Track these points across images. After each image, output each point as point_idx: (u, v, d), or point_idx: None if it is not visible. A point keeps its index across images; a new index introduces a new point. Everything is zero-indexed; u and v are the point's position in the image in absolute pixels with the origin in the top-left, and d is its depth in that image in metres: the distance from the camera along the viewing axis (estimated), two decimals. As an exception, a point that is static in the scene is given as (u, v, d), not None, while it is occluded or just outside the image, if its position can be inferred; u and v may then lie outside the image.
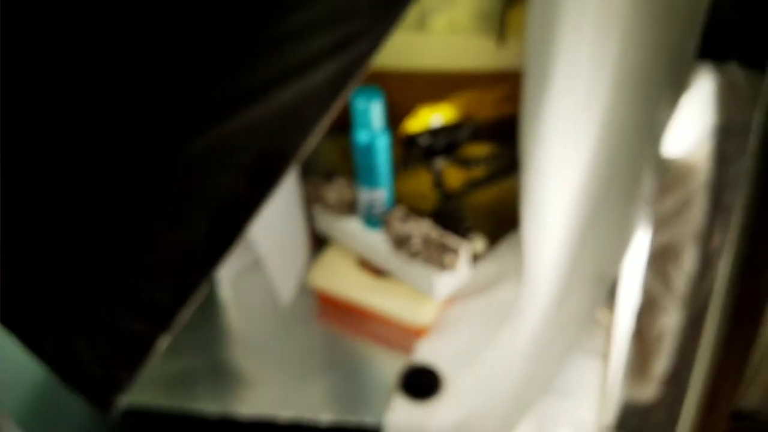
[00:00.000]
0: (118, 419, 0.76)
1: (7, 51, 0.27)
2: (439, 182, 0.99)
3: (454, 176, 1.03)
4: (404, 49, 1.12)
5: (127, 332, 0.32)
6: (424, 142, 0.95)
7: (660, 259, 0.52)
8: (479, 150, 1.04)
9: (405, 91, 1.16)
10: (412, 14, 1.07)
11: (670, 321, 0.52)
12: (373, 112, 0.70)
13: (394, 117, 1.07)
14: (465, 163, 1.02)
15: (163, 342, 0.34)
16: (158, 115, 0.29)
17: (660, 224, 0.52)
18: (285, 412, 0.72)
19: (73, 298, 0.32)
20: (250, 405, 0.73)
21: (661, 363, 0.55)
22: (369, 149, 0.71)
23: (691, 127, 0.56)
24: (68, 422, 0.80)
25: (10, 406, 0.44)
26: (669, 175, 0.52)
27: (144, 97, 0.28)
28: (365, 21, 0.36)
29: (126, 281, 0.32)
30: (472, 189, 1.01)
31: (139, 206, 0.30)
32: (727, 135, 0.52)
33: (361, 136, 0.71)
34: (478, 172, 1.04)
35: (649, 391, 0.58)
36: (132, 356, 0.32)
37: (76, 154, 0.29)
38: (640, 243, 0.54)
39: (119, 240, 0.31)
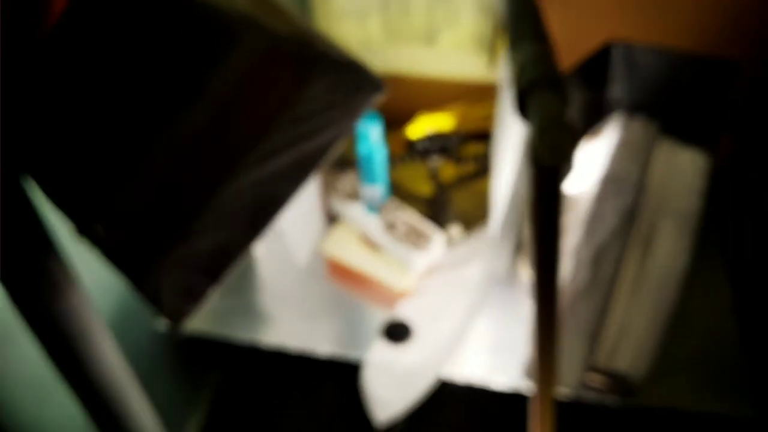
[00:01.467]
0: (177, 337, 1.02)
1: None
2: (434, 176, 1.21)
3: (448, 170, 1.25)
4: (418, 59, 1.32)
5: (191, 282, 0.56)
6: (421, 145, 1.16)
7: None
8: (471, 149, 1.25)
9: (419, 92, 1.37)
10: (423, 30, 1.27)
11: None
12: (371, 132, 0.92)
13: (408, 113, 1.28)
14: (458, 159, 1.23)
15: (214, 291, 0.58)
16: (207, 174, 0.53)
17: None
18: (294, 343, 0.97)
19: (165, 262, 0.56)
20: (270, 336, 0.98)
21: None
22: (369, 158, 0.94)
23: (588, 171, 0.77)
24: (141, 331, 1.08)
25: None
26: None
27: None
28: (342, 111, 0.58)
29: (195, 256, 0.56)
30: (461, 182, 1.23)
31: (202, 218, 0.55)
32: (607, 182, 0.73)
33: (363, 149, 0.93)
34: (468, 168, 1.25)
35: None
36: (194, 297, 0.57)
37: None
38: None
39: (191, 232, 0.55)
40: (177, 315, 0.57)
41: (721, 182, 1.00)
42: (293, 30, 0.59)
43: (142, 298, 0.56)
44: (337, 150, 0.60)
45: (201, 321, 1.00)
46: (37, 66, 0.53)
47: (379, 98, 0.62)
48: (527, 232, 0.85)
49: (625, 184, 0.72)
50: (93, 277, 0.63)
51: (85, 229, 0.55)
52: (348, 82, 0.59)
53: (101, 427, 0.68)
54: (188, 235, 0.54)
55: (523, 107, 0.42)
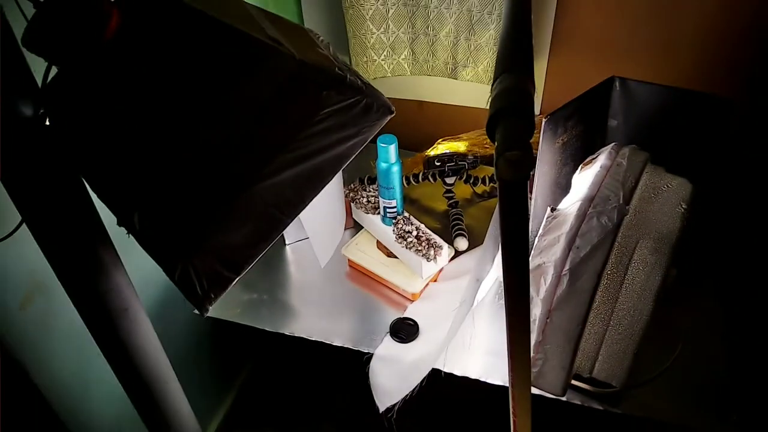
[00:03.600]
0: (209, 321, 1.05)
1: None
2: (448, 192, 1.22)
3: (463, 190, 1.26)
4: (441, 89, 1.35)
5: (217, 272, 0.59)
6: (438, 166, 1.18)
7: (534, 275, 0.75)
8: (486, 171, 1.26)
9: (441, 117, 1.40)
10: (447, 65, 1.30)
11: (536, 311, 0.74)
12: (389, 151, 0.95)
13: (431, 137, 1.31)
14: (472, 180, 1.24)
15: (237, 281, 0.61)
16: (255, 166, 0.55)
17: (538, 252, 0.74)
18: (314, 336, 0.99)
19: (193, 251, 0.58)
20: (291, 328, 1.01)
21: (534, 335, 0.78)
22: (386, 173, 0.96)
23: (578, 191, 0.78)
24: (180, 318, 1.12)
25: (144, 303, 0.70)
26: (549, 222, 0.74)
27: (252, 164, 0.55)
28: (353, 130, 0.61)
29: (221, 248, 0.59)
30: (474, 201, 1.24)
31: (228, 215, 0.57)
32: (590, 202, 0.73)
33: (381, 164, 0.96)
34: (481, 188, 1.26)
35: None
36: (219, 286, 0.60)
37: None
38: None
39: (219, 227, 0.58)
40: (202, 302, 0.60)
41: (715, 211, 0.99)
42: (315, 55, 0.62)
43: (174, 283, 0.59)
44: (348, 163, 0.62)
45: (232, 311, 1.04)
46: (92, 74, 0.57)
47: (388, 120, 0.64)
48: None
49: (610, 203, 0.72)
50: (142, 265, 0.66)
51: (124, 219, 0.58)
52: (360, 105, 0.62)
53: (137, 399, 0.71)
54: (216, 230, 0.57)
55: (493, 131, 0.44)
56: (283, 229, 0.62)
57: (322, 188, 0.62)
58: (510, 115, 0.43)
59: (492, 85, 0.54)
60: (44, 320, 0.89)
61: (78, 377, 0.96)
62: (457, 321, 0.86)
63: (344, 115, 0.59)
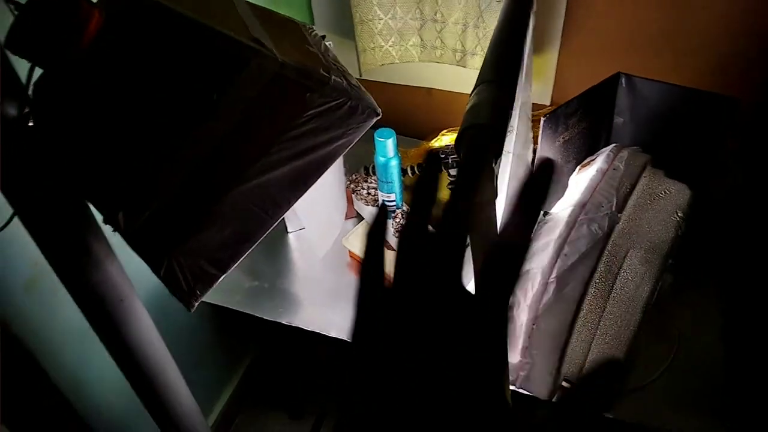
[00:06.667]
0: (209, 308, 1.06)
1: None
2: (452, 183, 1.21)
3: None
4: (450, 77, 1.32)
5: (202, 269, 0.59)
6: (442, 156, 1.16)
7: (522, 280, 0.74)
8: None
9: (450, 106, 1.37)
10: (456, 53, 1.27)
11: (523, 317, 0.73)
12: (387, 145, 0.93)
13: (442, 124, 1.29)
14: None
15: (221, 278, 0.61)
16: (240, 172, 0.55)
17: (528, 257, 0.73)
18: (310, 326, 1.00)
19: (178, 249, 0.58)
20: (289, 318, 1.02)
21: (520, 340, 0.77)
22: (385, 167, 0.95)
23: (572, 194, 0.76)
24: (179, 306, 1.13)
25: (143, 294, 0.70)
26: (540, 226, 0.73)
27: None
28: (338, 132, 0.60)
29: (205, 247, 0.59)
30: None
31: (212, 215, 0.58)
32: (582, 208, 0.71)
33: (379, 159, 0.94)
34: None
35: (515, 356, 0.80)
36: (204, 282, 0.60)
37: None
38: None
39: (203, 227, 0.58)
40: (188, 298, 0.60)
41: (717, 214, 0.96)
42: (300, 54, 0.61)
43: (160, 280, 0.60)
44: (331, 165, 0.62)
45: (233, 299, 1.05)
46: (75, 76, 0.57)
47: (374, 122, 0.63)
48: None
49: (602, 210, 0.71)
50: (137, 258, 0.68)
51: (109, 218, 0.58)
52: (345, 107, 0.61)
53: (137, 387, 0.72)
54: (201, 228, 0.58)
55: (459, 143, 0.43)
56: (269, 228, 0.62)
57: (307, 189, 0.61)
58: (476, 134, 0.42)
59: (471, 93, 0.53)
60: (49, 303, 0.91)
61: (83, 359, 0.99)
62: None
63: (329, 117, 0.58)
